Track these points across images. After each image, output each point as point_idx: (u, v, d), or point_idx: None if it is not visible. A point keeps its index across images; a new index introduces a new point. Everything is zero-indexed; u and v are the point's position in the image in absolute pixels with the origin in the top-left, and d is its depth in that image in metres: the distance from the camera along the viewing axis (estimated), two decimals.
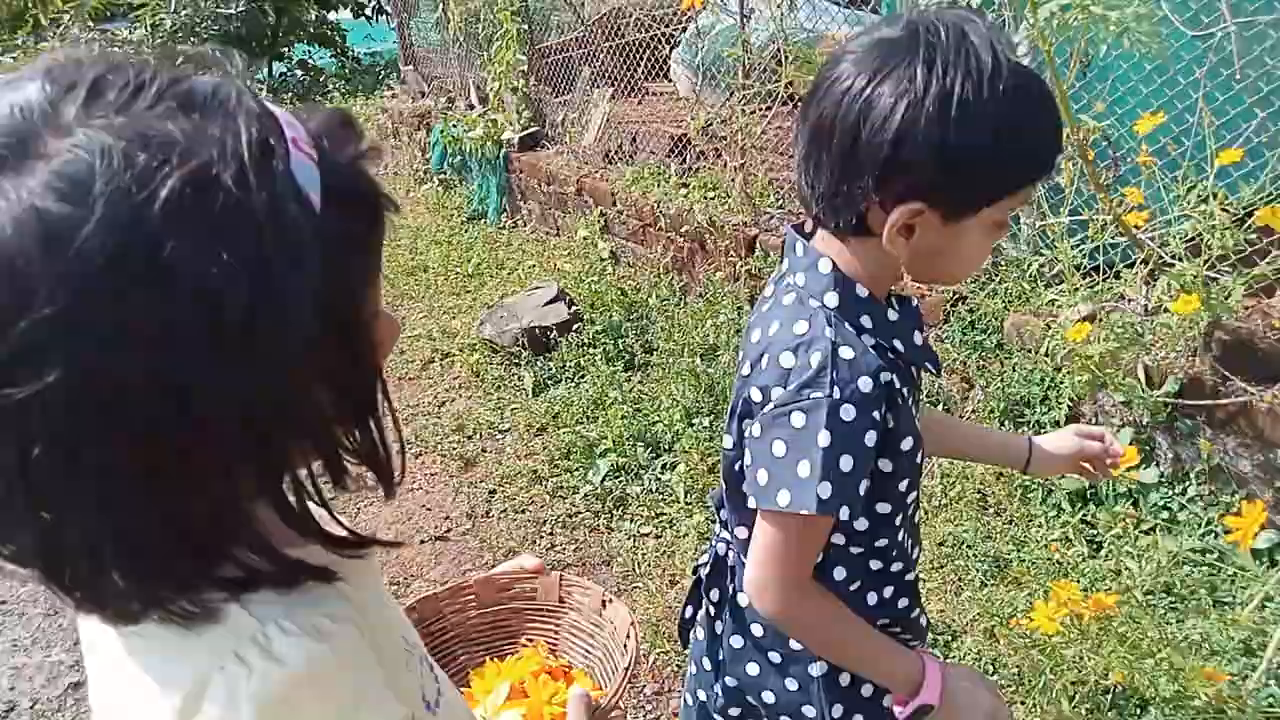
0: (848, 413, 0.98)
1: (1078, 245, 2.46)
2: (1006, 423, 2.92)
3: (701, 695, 1.33)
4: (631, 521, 2.97)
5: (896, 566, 1.17)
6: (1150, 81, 2.47)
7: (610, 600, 1.25)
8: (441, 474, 3.39)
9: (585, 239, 4.88)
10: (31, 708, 2.49)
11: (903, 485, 1.11)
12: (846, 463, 0.98)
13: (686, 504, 2.97)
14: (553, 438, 3.46)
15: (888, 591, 1.17)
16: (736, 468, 1.13)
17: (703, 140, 4.32)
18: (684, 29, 4.89)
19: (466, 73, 6.88)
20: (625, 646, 1.17)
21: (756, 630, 1.21)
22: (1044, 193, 2.63)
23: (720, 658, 1.26)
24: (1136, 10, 1.54)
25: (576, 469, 3.24)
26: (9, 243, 0.47)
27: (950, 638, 2.38)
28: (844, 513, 1.00)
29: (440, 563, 2.93)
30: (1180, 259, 2.33)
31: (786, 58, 3.60)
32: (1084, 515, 2.65)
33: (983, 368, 2.99)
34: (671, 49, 5.19)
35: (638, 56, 5.07)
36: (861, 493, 1.02)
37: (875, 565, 1.15)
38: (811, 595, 1.09)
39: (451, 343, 4.34)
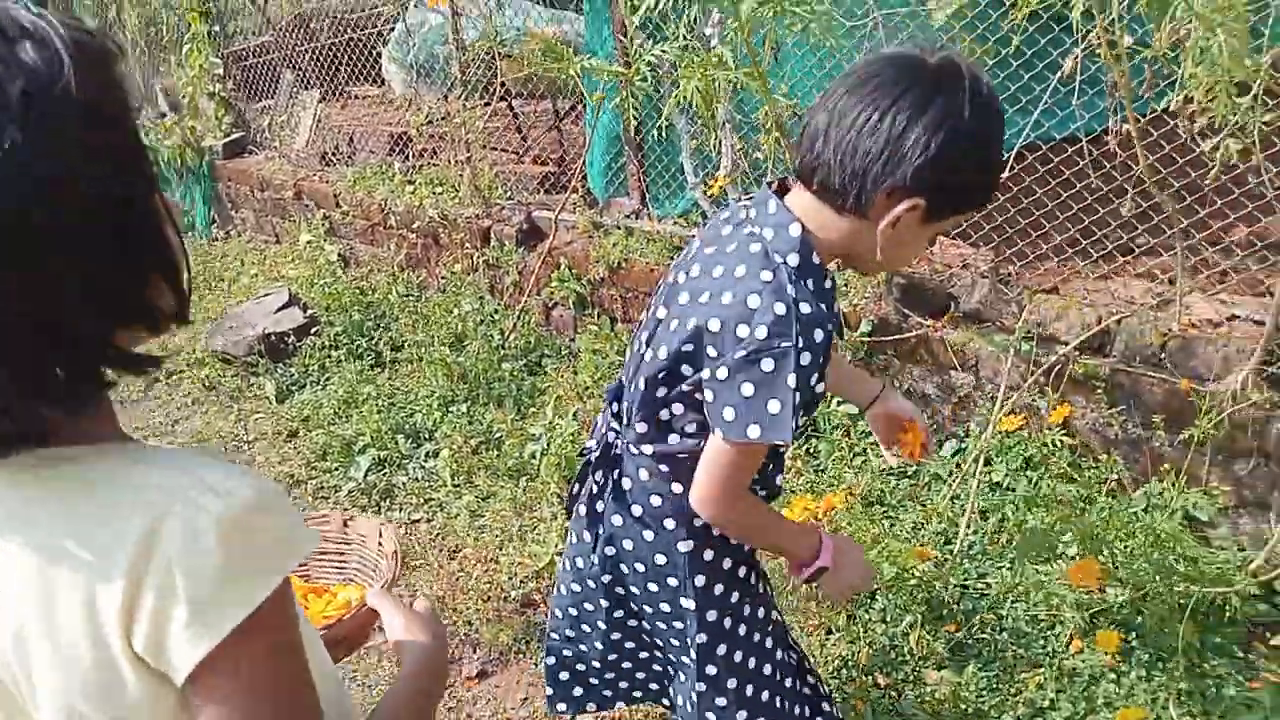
0: (805, 358, 1.16)
1: None
2: None
3: (580, 562, 1.55)
4: (401, 510, 3.03)
5: (781, 450, 1.44)
6: (820, 67, 2.87)
7: (352, 518, 1.40)
8: None
9: (310, 243, 4.79)
10: None
11: (804, 418, 1.32)
12: (798, 399, 1.18)
13: (455, 486, 3.07)
14: (305, 441, 3.42)
15: (769, 469, 1.43)
16: (661, 375, 1.30)
17: (424, 137, 4.39)
18: (392, 28, 4.91)
19: (151, 79, 6.46)
20: (381, 543, 1.31)
21: (636, 510, 1.41)
22: (746, 168, 2.98)
23: (600, 532, 1.46)
24: (814, 7, 1.85)
25: (336, 468, 3.24)
26: None
27: None
28: (789, 438, 1.20)
29: None
30: None
31: (499, 54, 3.77)
32: (807, 448, 3.03)
33: None
34: (380, 50, 5.19)
35: (343, 58, 5.03)
36: (800, 424, 1.24)
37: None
38: (747, 499, 1.32)
39: (175, 360, 4.13)
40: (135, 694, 0.69)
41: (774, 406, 1.17)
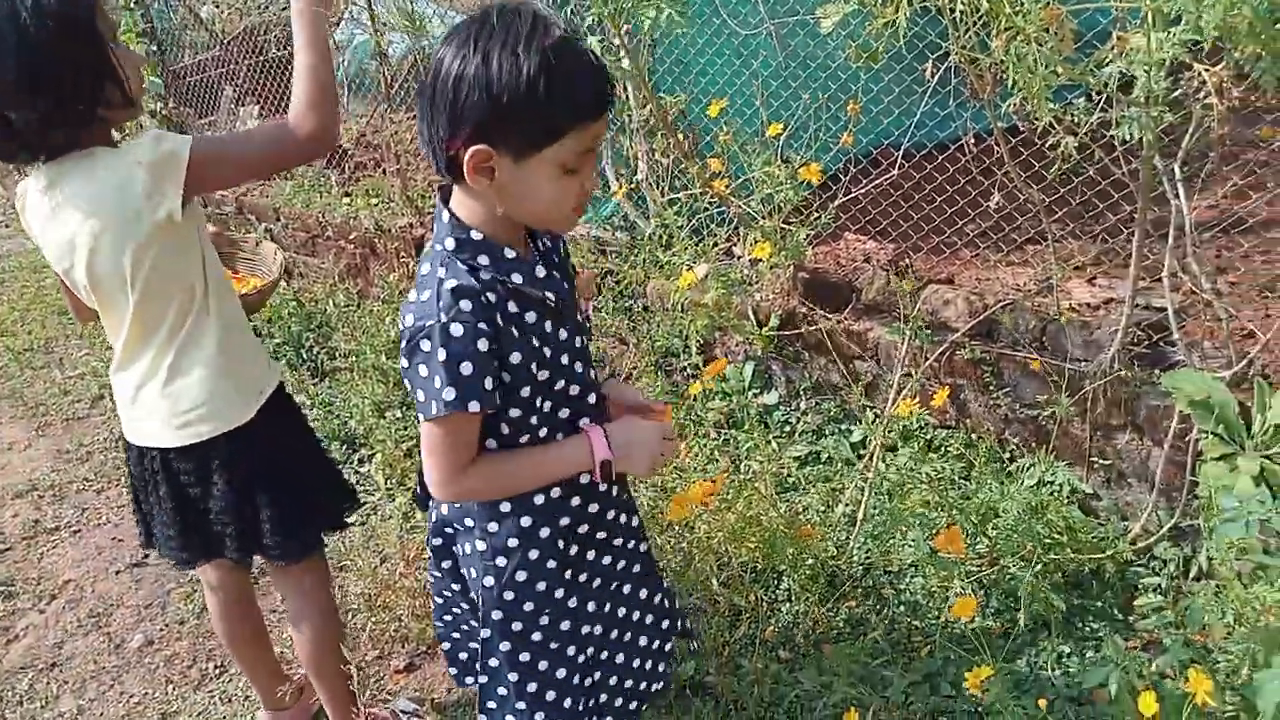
0: (456, 329, 1.24)
1: (680, 213, 2.95)
2: (659, 372, 3.38)
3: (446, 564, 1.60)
4: None
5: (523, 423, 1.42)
6: (723, 73, 2.99)
7: (259, 242, 2.58)
8: (129, 505, 3.34)
9: None
10: None
11: (525, 392, 1.36)
12: (466, 369, 1.25)
13: (388, 489, 3.17)
14: None
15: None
16: None
17: (359, 150, 4.48)
18: None
19: None
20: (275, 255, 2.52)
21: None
22: (647, 169, 3.11)
23: (435, 520, 1.57)
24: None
25: None
26: None
27: None
28: (474, 406, 1.27)
29: (143, 587, 2.93)
30: (764, 218, 2.86)
31: (423, 66, 3.87)
32: (725, 438, 3.16)
33: (633, 328, 3.44)
34: None
35: (281, 73, 5.10)
36: (489, 389, 1.28)
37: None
38: (471, 473, 1.37)
39: None
40: (149, 226, 1.61)
41: (438, 382, 1.26)
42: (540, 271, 1.36)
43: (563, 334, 1.41)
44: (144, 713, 2.51)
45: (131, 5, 5.27)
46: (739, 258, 3.19)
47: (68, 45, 1.54)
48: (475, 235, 1.30)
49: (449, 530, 1.55)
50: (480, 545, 1.48)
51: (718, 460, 3.06)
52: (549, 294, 1.36)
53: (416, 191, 4.13)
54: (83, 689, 2.60)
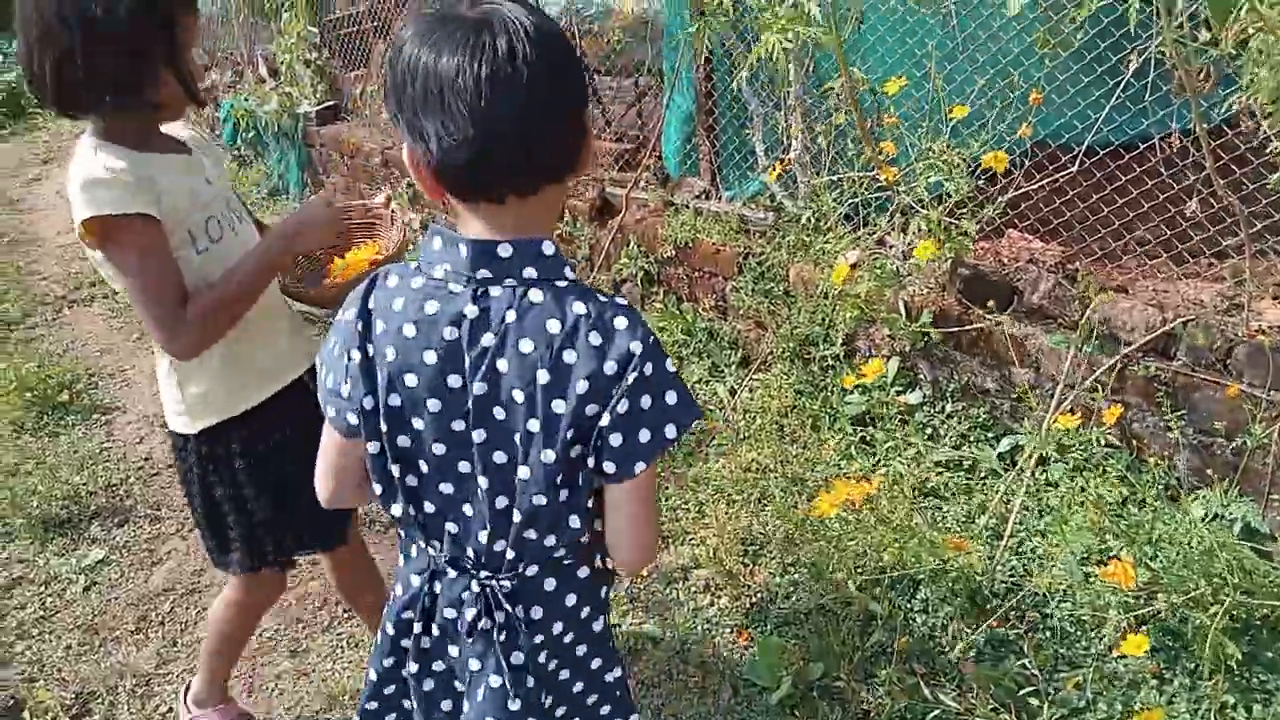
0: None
1: (839, 199, 2.82)
2: (796, 360, 3.28)
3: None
4: None
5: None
6: (893, 53, 2.84)
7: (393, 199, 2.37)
8: None
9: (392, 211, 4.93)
10: None
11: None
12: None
13: None
14: None
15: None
16: (559, 480, 1.11)
17: None
18: None
19: (253, 45, 6.69)
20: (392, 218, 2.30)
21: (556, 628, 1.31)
22: (801, 148, 2.98)
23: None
24: None
25: None
26: None
27: (757, 547, 2.70)
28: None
29: None
30: (926, 207, 2.72)
31: (579, 31, 3.82)
32: (863, 435, 3.04)
33: (772, 312, 3.33)
34: None
35: None
36: None
37: None
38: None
39: None
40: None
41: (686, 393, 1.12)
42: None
43: None
44: (275, 648, 2.57)
45: None
46: (891, 247, 3.05)
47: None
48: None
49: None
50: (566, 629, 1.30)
51: (854, 457, 2.95)
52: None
53: None
54: None
